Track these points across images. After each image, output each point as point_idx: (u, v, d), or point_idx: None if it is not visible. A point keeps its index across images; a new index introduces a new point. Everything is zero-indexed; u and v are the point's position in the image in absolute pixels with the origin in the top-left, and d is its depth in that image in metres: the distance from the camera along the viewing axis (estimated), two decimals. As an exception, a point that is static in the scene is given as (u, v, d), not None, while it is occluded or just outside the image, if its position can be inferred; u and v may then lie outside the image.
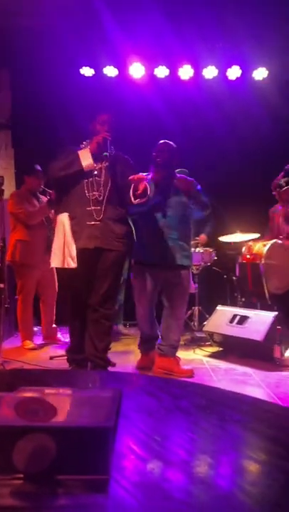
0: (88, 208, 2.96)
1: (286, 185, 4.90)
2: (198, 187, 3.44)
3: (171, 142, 3.46)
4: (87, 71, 5.62)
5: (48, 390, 0.84)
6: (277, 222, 5.19)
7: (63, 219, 2.97)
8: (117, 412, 0.75)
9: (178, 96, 5.58)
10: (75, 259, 2.89)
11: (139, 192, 2.89)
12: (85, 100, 5.00)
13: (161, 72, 5.62)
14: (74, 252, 2.90)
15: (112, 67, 5.60)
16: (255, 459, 0.67)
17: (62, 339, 4.56)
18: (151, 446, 0.70)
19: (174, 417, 0.85)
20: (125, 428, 0.75)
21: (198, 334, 4.73)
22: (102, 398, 0.78)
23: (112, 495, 0.55)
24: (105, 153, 3.00)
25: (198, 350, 4.30)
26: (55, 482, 0.56)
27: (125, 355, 4.17)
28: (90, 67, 5.61)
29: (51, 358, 3.90)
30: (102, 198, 2.98)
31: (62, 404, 0.70)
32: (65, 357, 3.23)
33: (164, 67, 5.60)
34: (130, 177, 2.86)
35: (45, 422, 0.62)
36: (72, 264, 2.90)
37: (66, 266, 2.92)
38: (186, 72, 5.60)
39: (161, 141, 3.45)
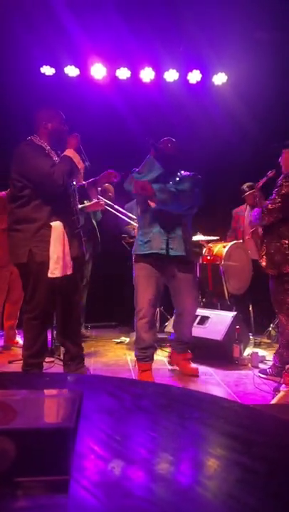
0: (72, 218, 3.00)
1: (249, 190, 5.05)
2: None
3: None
4: (47, 70, 5.56)
5: (6, 392, 0.83)
6: (242, 224, 5.32)
7: (59, 228, 2.88)
8: (77, 412, 0.75)
9: (140, 97, 5.62)
10: (71, 268, 2.91)
11: (144, 192, 3.10)
12: (45, 99, 4.93)
13: (123, 73, 5.63)
14: (70, 261, 2.92)
15: (73, 67, 5.57)
16: (213, 454, 0.69)
17: (21, 342, 4.48)
18: (112, 446, 0.70)
19: (134, 416, 0.86)
20: (86, 429, 0.75)
21: (160, 335, 4.77)
22: (62, 399, 0.78)
23: (73, 495, 0.55)
24: (87, 164, 3.00)
25: (159, 351, 4.34)
26: (14, 484, 0.56)
27: (86, 357, 4.15)
28: (51, 66, 5.55)
29: (10, 362, 3.82)
30: (77, 207, 3.09)
31: (22, 407, 0.70)
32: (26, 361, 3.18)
33: (126, 68, 5.62)
34: (135, 191, 3.16)
35: (4, 424, 0.61)
36: (69, 271, 2.91)
37: (63, 274, 2.89)
38: (147, 74, 5.64)
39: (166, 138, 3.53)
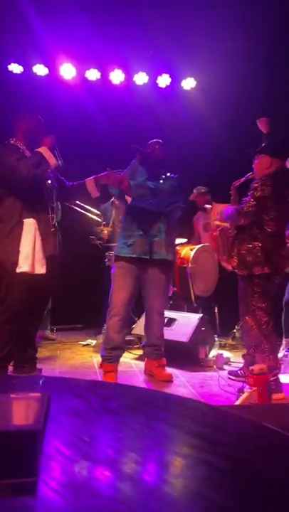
0: (47, 216, 3.00)
1: (197, 192, 5.16)
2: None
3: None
4: (15, 68, 5.47)
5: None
6: (197, 230, 5.43)
7: (32, 224, 2.87)
8: (45, 415, 0.75)
9: (110, 99, 5.61)
10: (45, 266, 2.87)
11: (120, 186, 3.08)
12: (13, 97, 4.87)
13: (93, 74, 5.62)
14: (43, 259, 2.87)
15: (42, 66, 5.51)
16: (179, 453, 0.70)
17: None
18: (80, 447, 0.71)
19: (102, 417, 0.86)
20: (53, 431, 0.75)
21: (127, 337, 4.78)
22: (30, 402, 0.78)
23: (41, 496, 0.55)
24: (60, 162, 3.00)
25: (126, 354, 4.34)
26: (-19, 487, 0.55)
27: (52, 360, 4.11)
28: (19, 64, 5.47)
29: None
30: (54, 205, 3.10)
31: (-11, 409, 0.69)
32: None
33: (96, 70, 5.61)
34: (112, 184, 3.11)
35: None
36: (42, 270, 2.87)
37: (36, 272, 2.84)
38: (117, 76, 5.65)
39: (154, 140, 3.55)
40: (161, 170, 3.44)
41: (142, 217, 3.34)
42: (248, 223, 3.13)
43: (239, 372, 3.49)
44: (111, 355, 3.29)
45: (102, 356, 3.38)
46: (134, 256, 3.30)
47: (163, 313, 3.57)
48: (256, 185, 3.13)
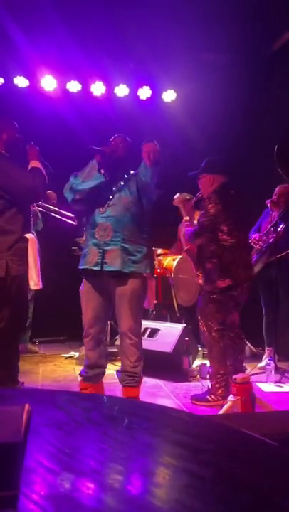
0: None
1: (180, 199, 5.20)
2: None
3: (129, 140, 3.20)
4: (-4, 79, 5.47)
5: None
6: (179, 237, 5.47)
7: (34, 239, 2.90)
8: (26, 427, 0.74)
9: (91, 111, 5.64)
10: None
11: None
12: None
13: (74, 86, 5.65)
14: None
15: (22, 78, 5.52)
16: (161, 462, 0.71)
17: None
18: (61, 459, 0.70)
19: (84, 429, 0.86)
20: (35, 443, 0.74)
21: (110, 349, 4.75)
22: (10, 414, 0.77)
23: (21, 509, 0.55)
24: (51, 169, 3.07)
25: (110, 365, 4.30)
26: None
27: (34, 373, 4.06)
28: None
29: None
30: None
31: None
32: None
33: (77, 82, 5.64)
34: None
35: None
36: (40, 285, 2.94)
37: (39, 287, 2.93)
38: (98, 88, 5.69)
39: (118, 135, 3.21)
40: (123, 172, 3.07)
41: (97, 222, 2.93)
42: (206, 241, 3.26)
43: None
44: (87, 373, 3.06)
45: (79, 374, 3.18)
46: (87, 267, 2.92)
47: (136, 333, 2.98)
48: (207, 204, 3.27)
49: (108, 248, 2.87)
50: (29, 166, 2.93)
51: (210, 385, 3.29)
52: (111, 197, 2.97)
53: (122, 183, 3.03)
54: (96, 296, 2.97)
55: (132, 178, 3.05)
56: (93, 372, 3.02)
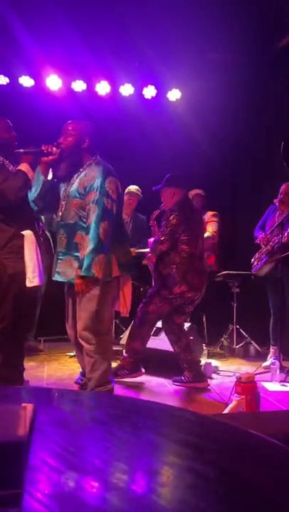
0: (35, 226, 2.99)
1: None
2: None
3: (83, 123, 2.94)
4: (1, 79, 5.48)
5: None
6: None
7: (31, 236, 2.86)
8: (30, 426, 0.74)
9: (96, 110, 5.64)
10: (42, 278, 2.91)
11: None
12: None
13: (79, 86, 5.65)
14: (43, 270, 2.94)
15: (27, 77, 5.52)
16: (165, 461, 0.70)
17: None
18: (66, 458, 0.70)
19: (88, 428, 0.86)
20: (39, 442, 0.74)
21: (115, 347, 4.75)
22: (15, 413, 0.77)
23: (26, 508, 0.55)
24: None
25: (114, 364, 4.31)
26: None
27: (39, 371, 4.07)
28: (5, 75, 5.48)
29: None
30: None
31: (-26, 421, 0.68)
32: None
33: (82, 81, 5.64)
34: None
35: None
36: (41, 282, 2.90)
37: (40, 283, 2.88)
38: (103, 87, 5.69)
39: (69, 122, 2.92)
40: (75, 169, 2.81)
41: (60, 229, 2.85)
42: (166, 249, 3.50)
43: (183, 378, 3.61)
44: (82, 381, 3.07)
45: (75, 382, 3.26)
46: (57, 278, 2.87)
47: (89, 344, 2.71)
48: (168, 215, 3.51)
49: (63, 257, 2.79)
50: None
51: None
52: (63, 202, 2.80)
53: (73, 183, 2.78)
54: (70, 302, 2.91)
55: (88, 173, 2.76)
56: (86, 379, 2.88)
